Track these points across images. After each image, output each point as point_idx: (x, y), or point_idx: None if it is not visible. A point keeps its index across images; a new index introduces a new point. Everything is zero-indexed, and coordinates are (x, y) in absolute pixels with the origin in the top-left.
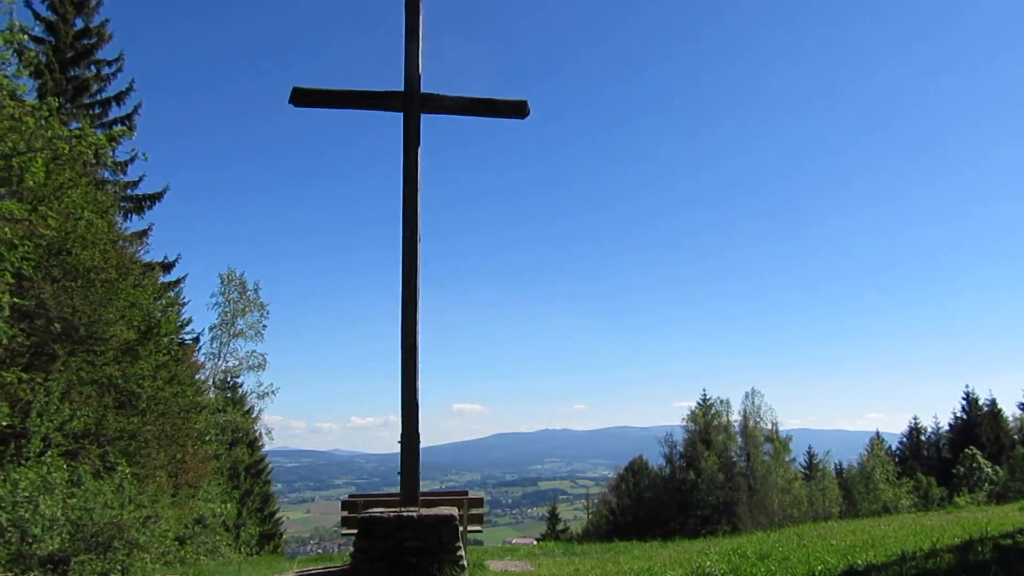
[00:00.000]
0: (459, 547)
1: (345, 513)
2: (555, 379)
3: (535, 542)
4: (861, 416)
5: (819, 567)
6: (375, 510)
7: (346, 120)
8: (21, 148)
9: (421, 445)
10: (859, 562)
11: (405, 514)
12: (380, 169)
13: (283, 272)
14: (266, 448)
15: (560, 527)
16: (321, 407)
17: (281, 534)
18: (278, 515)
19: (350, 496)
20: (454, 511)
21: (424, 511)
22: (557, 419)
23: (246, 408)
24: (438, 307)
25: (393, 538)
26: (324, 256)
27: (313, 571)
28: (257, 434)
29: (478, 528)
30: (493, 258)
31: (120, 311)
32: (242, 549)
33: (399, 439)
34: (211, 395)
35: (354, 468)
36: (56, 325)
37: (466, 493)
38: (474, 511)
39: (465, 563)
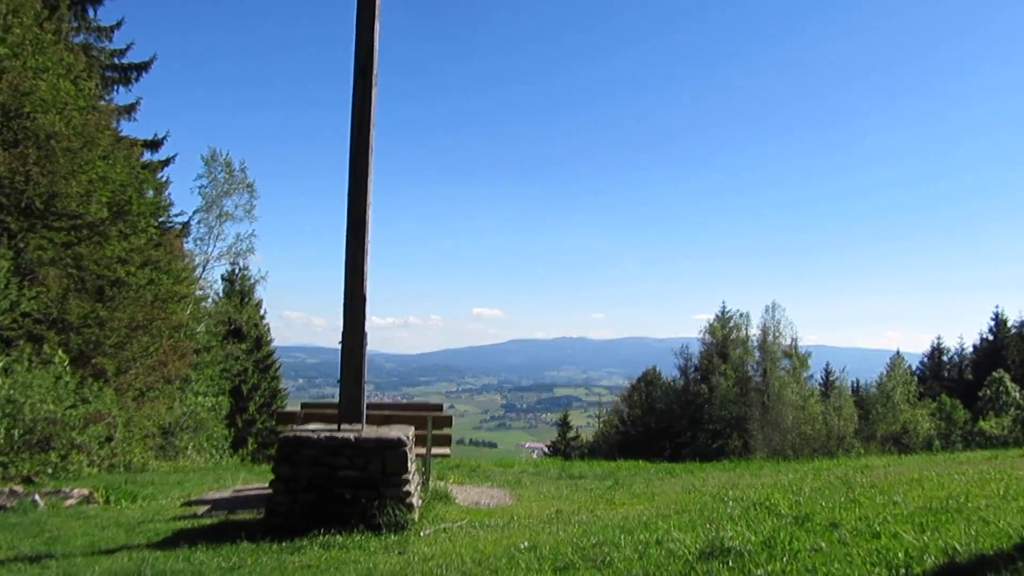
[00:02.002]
0: (407, 479)
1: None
2: (575, 288)
3: (545, 449)
4: (880, 335)
5: (897, 551)
6: (306, 428)
7: None
8: None
9: (435, 348)
10: (958, 547)
11: (340, 435)
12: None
13: (302, 169)
14: (285, 344)
15: (571, 435)
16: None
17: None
18: (288, 411)
19: (302, 405)
20: (406, 433)
21: (366, 432)
22: (575, 327)
23: (254, 301)
24: (460, 208)
25: (323, 465)
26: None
27: (251, 490)
28: (265, 328)
29: (445, 451)
30: (518, 162)
31: (84, 185)
32: (213, 452)
33: (339, 340)
34: (202, 286)
35: (372, 367)
36: (3, 198)
37: (439, 408)
38: (441, 431)
39: (415, 500)
